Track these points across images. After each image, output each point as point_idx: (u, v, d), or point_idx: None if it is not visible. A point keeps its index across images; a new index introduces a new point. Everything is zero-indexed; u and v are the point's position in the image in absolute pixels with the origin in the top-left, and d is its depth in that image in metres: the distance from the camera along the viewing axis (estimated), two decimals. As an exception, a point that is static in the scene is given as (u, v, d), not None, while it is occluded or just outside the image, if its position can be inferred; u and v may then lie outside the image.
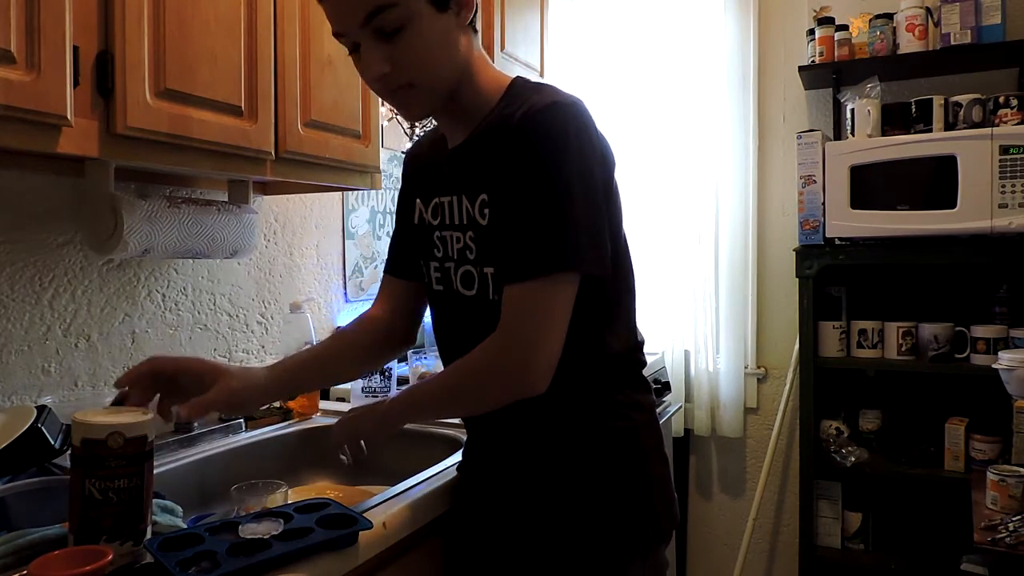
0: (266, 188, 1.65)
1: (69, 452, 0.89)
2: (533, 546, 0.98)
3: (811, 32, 2.30)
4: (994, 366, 1.82)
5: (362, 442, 1.07)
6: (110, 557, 0.78)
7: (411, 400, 1.02)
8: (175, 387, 0.98)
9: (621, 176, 1.01)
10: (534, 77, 2.11)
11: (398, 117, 2.05)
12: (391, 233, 1.21)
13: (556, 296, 0.89)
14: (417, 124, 2.10)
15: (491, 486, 1.06)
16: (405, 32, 0.89)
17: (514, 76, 1.02)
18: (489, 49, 1.87)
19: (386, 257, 1.21)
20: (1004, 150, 1.91)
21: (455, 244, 1.02)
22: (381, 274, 1.24)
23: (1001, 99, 2.05)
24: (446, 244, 1.03)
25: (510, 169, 0.91)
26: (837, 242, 2.17)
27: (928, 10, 2.14)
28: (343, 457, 1.06)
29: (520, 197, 0.90)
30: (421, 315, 1.20)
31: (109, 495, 0.82)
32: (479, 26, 1.00)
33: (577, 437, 0.99)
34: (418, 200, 1.09)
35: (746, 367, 2.56)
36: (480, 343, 0.93)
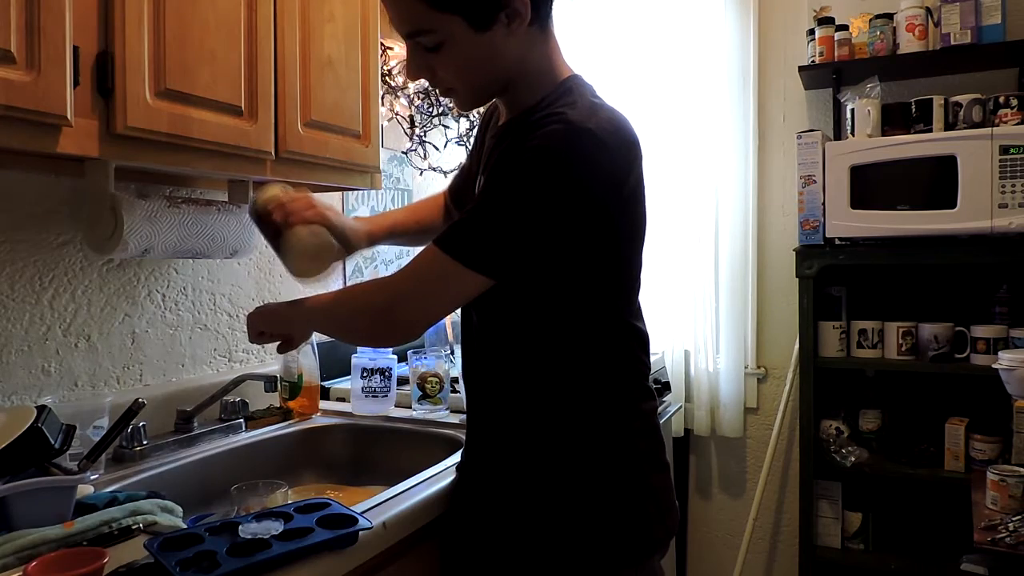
0: (266, 188, 1.65)
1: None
2: (524, 551, 0.98)
3: (811, 32, 2.30)
4: (994, 366, 1.82)
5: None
6: (107, 559, 0.78)
7: (304, 307, 1.06)
8: None
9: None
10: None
11: (398, 117, 2.05)
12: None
13: (453, 281, 0.91)
14: (417, 125, 2.10)
15: (486, 490, 1.06)
16: (444, 50, 0.92)
17: (572, 73, 1.02)
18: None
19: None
20: (1004, 150, 1.91)
21: None
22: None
23: (1001, 99, 2.05)
24: None
25: (495, 166, 0.95)
26: (837, 242, 2.17)
27: (928, 10, 2.14)
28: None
29: (483, 188, 0.94)
30: None
31: None
32: (550, 12, 0.98)
33: (573, 444, 0.98)
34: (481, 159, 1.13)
35: (746, 367, 2.56)
36: (469, 331, 1.04)
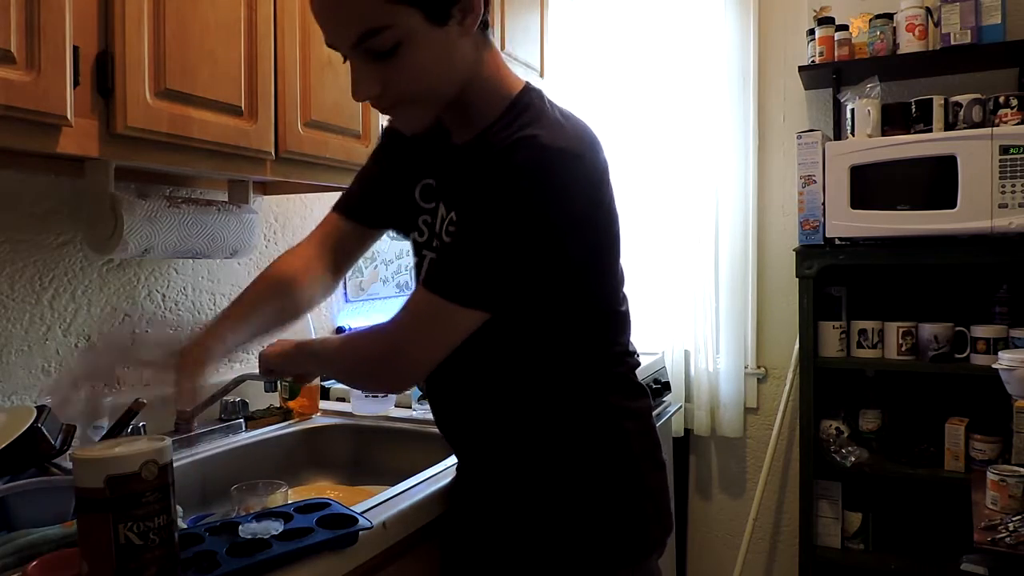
0: (266, 188, 1.65)
1: (80, 495, 0.74)
2: (521, 553, 0.98)
3: (811, 32, 2.30)
4: (994, 366, 1.81)
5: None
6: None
7: (312, 351, 1.06)
8: None
9: (623, 182, 0.99)
10: (534, 77, 2.11)
11: (398, 117, 2.05)
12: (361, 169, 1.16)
13: (450, 321, 0.89)
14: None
15: (482, 492, 1.06)
16: (400, 51, 0.85)
17: (524, 84, 0.98)
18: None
19: (343, 194, 1.16)
20: (1004, 150, 1.91)
21: (432, 240, 1.02)
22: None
23: (1001, 99, 2.04)
24: (429, 230, 1.03)
25: (471, 196, 0.90)
26: (837, 242, 2.17)
27: (928, 10, 2.14)
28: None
29: (462, 220, 0.91)
30: (353, 264, 1.22)
31: (151, 537, 0.73)
32: (491, 20, 0.95)
33: (566, 445, 0.98)
34: (409, 170, 1.08)
35: (746, 367, 2.56)
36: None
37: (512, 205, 0.85)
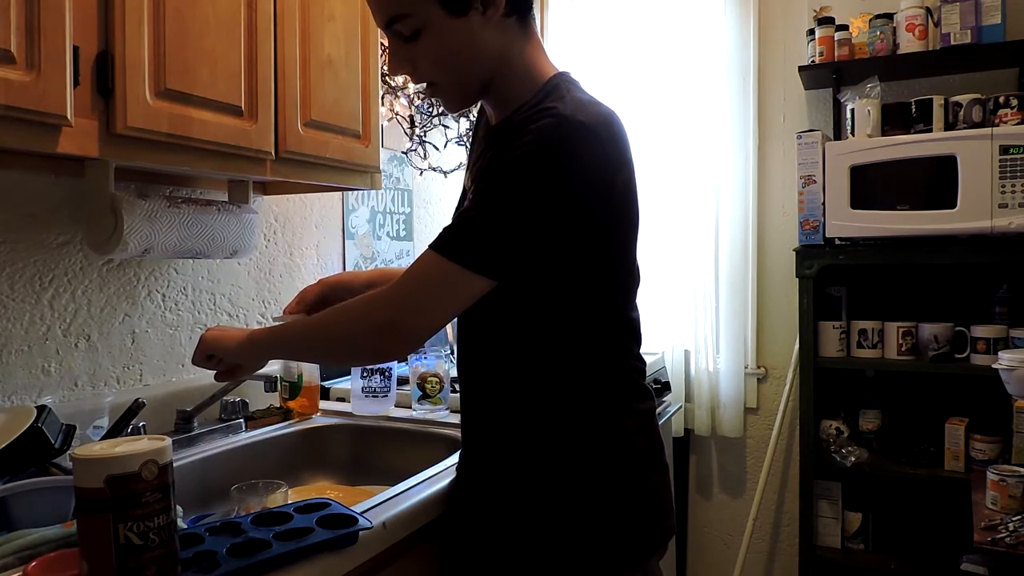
0: (266, 188, 1.65)
1: (81, 496, 0.72)
2: (521, 552, 0.98)
3: (811, 32, 2.30)
4: (994, 366, 1.81)
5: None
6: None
7: (281, 335, 1.03)
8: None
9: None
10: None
11: (398, 117, 2.05)
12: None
13: (456, 286, 0.89)
14: (417, 125, 2.10)
15: (484, 490, 1.06)
16: (421, 37, 0.92)
17: (557, 71, 1.01)
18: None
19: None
20: (1004, 150, 1.91)
21: None
22: None
23: (1001, 99, 2.04)
24: None
25: (489, 165, 0.94)
26: (837, 242, 2.17)
27: (928, 10, 2.14)
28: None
29: (478, 188, 0.93)
30: None
31: (150, 537, 0.72)
32: (530, 9, 0.98)
33: (569, 445, 0.98)
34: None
35: (746, 367, 2.56)
36: (463, 328, 1.02)
37: (526, 170, 0.87)
